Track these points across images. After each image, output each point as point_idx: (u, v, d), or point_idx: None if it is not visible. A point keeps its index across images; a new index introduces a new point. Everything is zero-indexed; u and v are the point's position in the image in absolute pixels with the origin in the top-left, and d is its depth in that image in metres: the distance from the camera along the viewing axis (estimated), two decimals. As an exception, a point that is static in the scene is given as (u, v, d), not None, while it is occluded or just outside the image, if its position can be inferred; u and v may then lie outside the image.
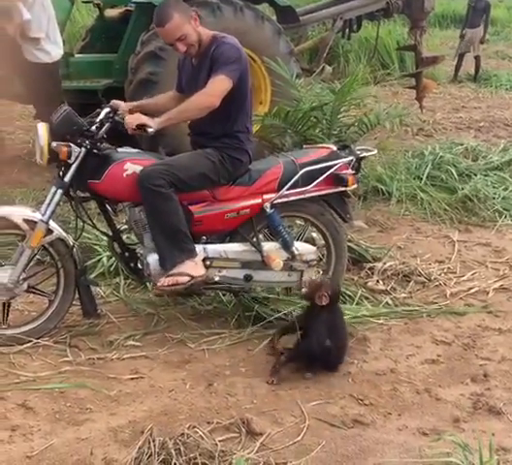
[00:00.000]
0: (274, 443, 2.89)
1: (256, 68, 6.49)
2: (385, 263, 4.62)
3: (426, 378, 3.44)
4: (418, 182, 6.08)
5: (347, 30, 8.57)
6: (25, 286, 3.63)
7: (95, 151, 3.57)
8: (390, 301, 4.19)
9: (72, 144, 3.55)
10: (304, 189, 3.79)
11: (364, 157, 3.99)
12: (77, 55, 6.67)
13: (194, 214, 3.66)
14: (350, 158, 3.90)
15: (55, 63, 5.73)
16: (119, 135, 6.00)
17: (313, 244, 3.97)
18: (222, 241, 3.82)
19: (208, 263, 3.68)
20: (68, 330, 3.73)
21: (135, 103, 4.06)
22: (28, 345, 3.53)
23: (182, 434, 2.76)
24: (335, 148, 3.98)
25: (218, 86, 3.55)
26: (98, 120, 3.65)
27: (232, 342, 3.70)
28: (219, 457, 2.67)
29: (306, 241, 3.98)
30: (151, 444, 2.68)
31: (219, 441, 2.81)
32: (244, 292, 3.93)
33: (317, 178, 3.80)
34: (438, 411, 3.17)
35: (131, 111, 3.88)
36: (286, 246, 3.83)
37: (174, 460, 2.60)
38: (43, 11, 5.56)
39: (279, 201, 3.77)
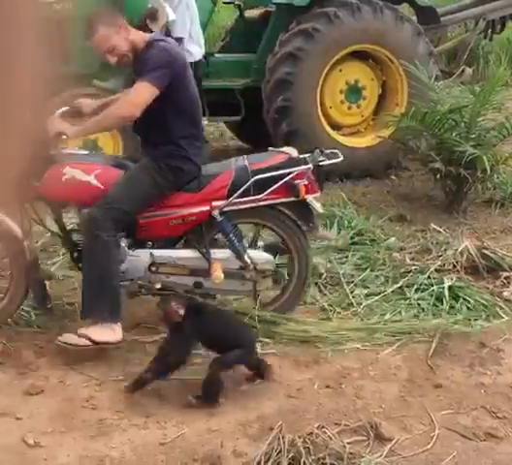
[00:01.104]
0: (404, 449, 2.85)
1: (393, 69, 6.43)
2: (523, 273, 4.45)
3: None
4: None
5: (489, 31, 8.30)
6: None
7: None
8: (527, 312, 4.04)
9: None
10: (255, 197, 3.61)
11: (322, 165, 3.71)
12: (216, 55, 6.82)
13: (139, 220, 3.57)
14: (307, 166, 3.65)
15: (196, 63, 5.89)
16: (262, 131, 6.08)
17: (279, 251, 3.82)
18: (172, 247, 3.74)
19: (154, 268, 3.62)
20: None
21: (100, 100, 3.89)
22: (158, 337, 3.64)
23: (311, 433, 2.76)
24: (294, 154, 3.73)
25: (140, 94, 3.42)
26: None
27: (361, 345, 3.68)
28: (348, 459, 2.66)
29: (271, 248, 3.81)
30: (281, 440, 2.70)
31: (347, 443, 2.80)
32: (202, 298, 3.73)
33: (270, 187, 3.60)
34: None
35: (95, 111, 3.77)
36: (238, 255, 3.68)
37: (303, 458, 2.60)
38: (187, 11, 5.76)
39: (229, 208, 3.61)
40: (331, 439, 2.76)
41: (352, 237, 4.92)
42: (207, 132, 6.20)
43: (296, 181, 3.61)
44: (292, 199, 3.65)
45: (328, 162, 3.73)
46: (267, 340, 3.64)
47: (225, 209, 3.60)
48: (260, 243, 3.87)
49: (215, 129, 8.13)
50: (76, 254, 3.71)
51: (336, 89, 6.41)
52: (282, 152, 3.76)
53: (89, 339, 3.38)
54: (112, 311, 3.45)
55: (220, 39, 7.55)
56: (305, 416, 3.07)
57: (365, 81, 6.48)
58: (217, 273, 3.59)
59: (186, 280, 3.68)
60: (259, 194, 3.60)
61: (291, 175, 3.60)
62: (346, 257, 4.66)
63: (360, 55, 6.45)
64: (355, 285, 4.30)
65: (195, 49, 5.84)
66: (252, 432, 2.95)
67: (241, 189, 3.57)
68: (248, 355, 3.24)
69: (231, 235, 3.66)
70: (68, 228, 3.77)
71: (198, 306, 3.34)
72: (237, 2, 7.30)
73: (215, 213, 3.59)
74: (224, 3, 7.42)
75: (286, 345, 3.64)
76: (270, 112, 6.27)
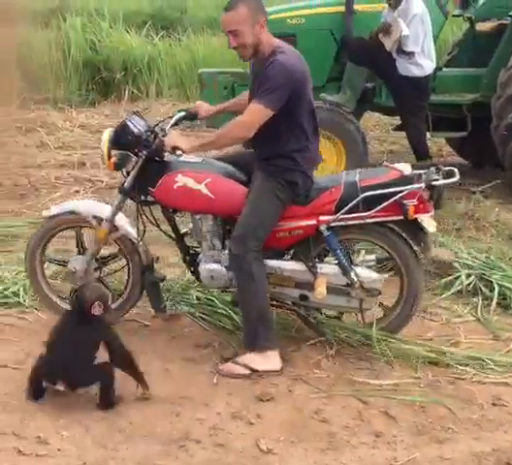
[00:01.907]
0: None
1: None
2: None
3: None
4: None
5: None
6: (96, 275, 3.84)
7: (156, 158, 3.61)
8: None
9: (130, 153, 3.62)
10: (363, 214, 3.50)
11: (435, 185, 3.50)
12: (444, 69, 6.68)
13: None
14: (418, 185, 3.47)
15: (426, 77, 5.81)
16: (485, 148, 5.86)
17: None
18: (281, 257, 3.68)
19: None
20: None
21: (220, 105, 4.01)
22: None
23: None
24: (408, 171, 3.55)
25: (255, 117, 3.40)
26: (157, 129, 3.67)
27: None
28: None
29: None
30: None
31: None
32: (307, 313, 3.74)
33: (378, 204, 3.48)
34: None
35: (214, 114, 3.90)
36: (345, 271, 3.57)
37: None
38: (421, 25, 5.69)
39: (336, 224, 3.52)
40: None
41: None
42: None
43: (405, 201, 3.49)
44: (401, 217, 3.53)
45: (442, 182, 3.56)
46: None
47: (332, 224, 3.55)
48: (369, 258, 3.80)
49: (433, 144, 7.96)
50: (188, 257, 3.82)
51: None
52: (395, 169, 3.64)
53: (250, 368, 3.44)
54: (271, 339, 3.52)
55: (446, 52, 7.38)
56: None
57: None
58: (320, 289, 3.54)
59: (292, 292, 3.67)
60: (367, 210, 3.52)
61: (400, 194, 3.48)
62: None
63: None
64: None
65: (426, 64, 5.76)
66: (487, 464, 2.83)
67: (349, 205, 3.51)
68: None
69: (338, 251, 3.60)
70: (182, 232, 3.87)
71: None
72: (467, 15, 7.11)
73: (322, 228, 3.56)
74: (453, 16, 7.25)
75: None
76: (499, 129, 6.02)
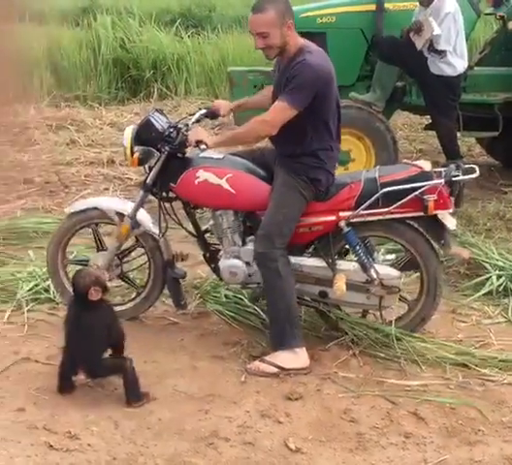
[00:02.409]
0: None
1: None
2: None
3: None
4: None
5: None
6: (118, 271, 3.88)
7: (178, 155, 3.66)
8: None
9: (152, 149, 3.64)
10: (383, 210, 3.52)
11: (455, 181, 3.53)
12: (475, 68, 6.61)
13: None
14: (439, 181, 3.48)
15: (458, 76, 5.75)
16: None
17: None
18: (300, 253, 3.68)
19: None
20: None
21: (238, 101, 4.05)
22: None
23: None
24: (428, 168, 3.58)
25: (279, 115, 3.44)
26: (180, 125, 3.70)
27: None
28: None
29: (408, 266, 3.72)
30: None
31: None
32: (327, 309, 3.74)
33: (398, 200, 3.49)
34: None
35: (233, 110, 3.94)
36: (364, 268, 3.59)
37: None
38: (453, 24, 5.63)
39: (356, 220, 3.54)
40: None
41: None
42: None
43: (425, 196, 3.48)
44: (421, 213, 3.53)
45: (462, 178, 3.57)
46: None
47: (352, 220, 3.56)
48: (388, 257, 3.82)
49: (463, 143, 7.89)
50: (208, 254, 3.85)
51: None
52: (415, 165, 3.66)
53: (279, 367, 3.44)
54: (299, 336, 3.52)
55: (478, 51, 7.31)
56: None
57: None
58: (339, 284, 3.54)
59: (311, 288, 3.68)
60: (387, 206, 3.53)
61: (421, 190, 3.48)
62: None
63: None
64: None
65: (458, 63, 5.69)
66: (518, 468, 2.81)
67: (369, 201, 3.51)
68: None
69: (357, 247, 3.60)
70: (203, 229, 3.88)
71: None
72: (499, 13, 7.02)
73: (342, 224, 3.57)
74: (485, 14, 7.17)
75: None
76: (530, 129, 5.96)
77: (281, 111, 3.44)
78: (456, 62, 5.69)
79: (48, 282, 4.24)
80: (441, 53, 5.64)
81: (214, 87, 10.71)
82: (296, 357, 3.48)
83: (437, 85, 5.70)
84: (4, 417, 3.08)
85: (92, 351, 3.19)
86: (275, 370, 3.44)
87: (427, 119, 6.82)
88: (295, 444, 2.93)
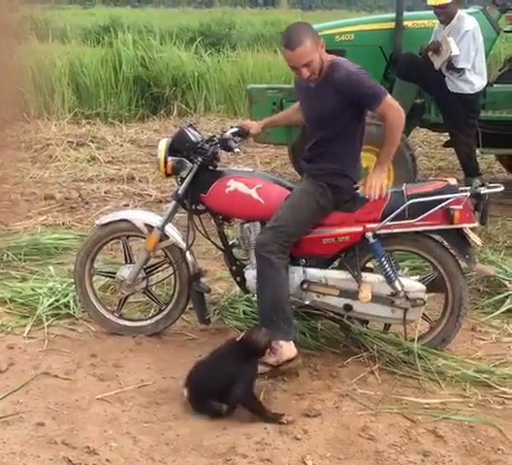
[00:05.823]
0: None
1: None
2: None
3: None
4: None
5: None
6: (144, 284, 3.91)
7: (210, 167, 3.73)
8: None
9: (185, 160, 3.70)
10: (409, 222, 3.53)
11: (482, 194, 3.56)
12: (495, 85, 6.62)
13: None
14: (464, 194, 3.52)
15: (476, 94, 5.77)
16: None
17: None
18: (326, 266, 3.69)
19: (305, 286, 3.64)
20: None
21: (266, 119, 4.09)
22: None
23: None
24: (453, 182, 3.61)
25: (393, 100, 3.54)
26: (216, 139, 3.78)
27: None
28: None
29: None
30: None
31: None
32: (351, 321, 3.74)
33: (425, 212, 3.50)
34: None
35: (264, 127, 3.99)
36: (389, 280, 3.58)
37: None
38: (472, 42, 5.66)
39: (382, 231, 3.54)
40: None
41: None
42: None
43: (451, 207, 3.50)
44: (447, 226, 3.54)
45: (487, 191, 3.59)
46: None
47: (378, 232, 3.55)
48: (413, 278, 3.78)
49: (482, 160, 7.88)
50: (235, 268, 3.86)
51: None
52: (441, 180, 3.72)
53: (267, 365, 3.47)
54: (286, 330, 3.51)
55: (497, 69, 7.33)
56: None
57: None
58: (365, 292, 3.57)
59: (336, 301, 3.67)
60: (413, 218, 3.52)
61: (447, 201, 3.50)
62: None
63: None
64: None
65: (477, 80, 5.71)
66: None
67: (396, 212, 3.52)
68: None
69: (383, 259, 3.60)
70: (230, 243, 3.91)
71: None
72: (519, 31, 7.06)
73: (368, 235, 3.56)
74: (505, 31, 7.19)
75: None
76: (551, 146, 5.95)
77: (392, 99, 3.53)
78: (474, 80, 5.71)
79: (69, 297, 4.28)
80: (460, 71, 5.67)
81: (234, 104, 10.80)
82: (279, 352, 3.47)
83: (456, 103, 5.72)
84: (23, 431, 3.10)
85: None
86: (267, 369, 3.48)
87: (445, 136, 6.81)
88: (313, 461, 2.92)
